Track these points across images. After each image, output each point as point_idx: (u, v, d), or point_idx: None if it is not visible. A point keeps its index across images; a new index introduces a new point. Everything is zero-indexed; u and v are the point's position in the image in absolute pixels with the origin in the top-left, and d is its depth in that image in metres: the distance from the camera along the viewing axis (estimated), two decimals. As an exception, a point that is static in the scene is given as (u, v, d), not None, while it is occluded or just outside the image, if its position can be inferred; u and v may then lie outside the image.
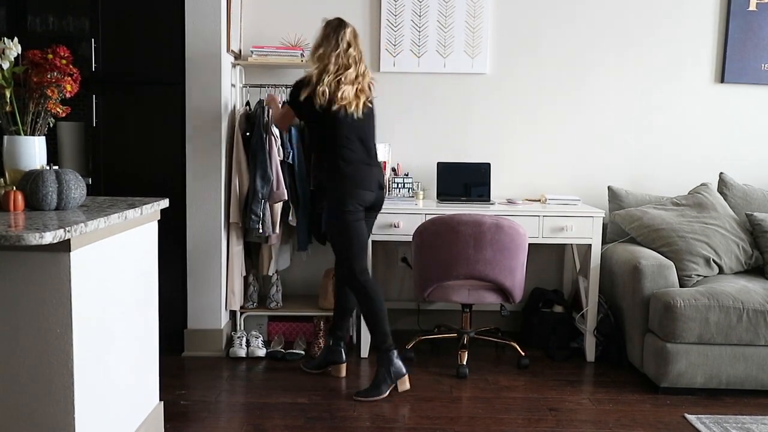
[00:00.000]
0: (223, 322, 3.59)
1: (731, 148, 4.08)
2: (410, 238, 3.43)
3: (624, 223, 3.67)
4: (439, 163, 3.87)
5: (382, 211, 3.28)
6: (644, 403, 3.05)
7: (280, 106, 3.39)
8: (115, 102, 3.45)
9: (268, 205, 3.47)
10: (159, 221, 2.52)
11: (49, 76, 2.18)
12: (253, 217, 3.43)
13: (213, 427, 2.74)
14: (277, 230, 3.54)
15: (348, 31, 3.05)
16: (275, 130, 3.51)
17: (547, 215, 3.56)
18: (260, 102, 3.54)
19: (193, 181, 3.47)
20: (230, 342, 3.61)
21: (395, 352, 3.05)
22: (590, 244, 3.57)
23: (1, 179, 2.17)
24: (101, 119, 3.44)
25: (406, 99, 4.00)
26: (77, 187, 2.09)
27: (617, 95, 4.04)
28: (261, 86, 3.73)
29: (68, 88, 2.22)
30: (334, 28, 3.05)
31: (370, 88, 3.12)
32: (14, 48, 2.14)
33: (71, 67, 2.25)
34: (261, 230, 3.45)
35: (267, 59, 3.70)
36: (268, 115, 3.44)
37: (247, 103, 3.71)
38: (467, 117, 4.03)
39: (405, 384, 3.08)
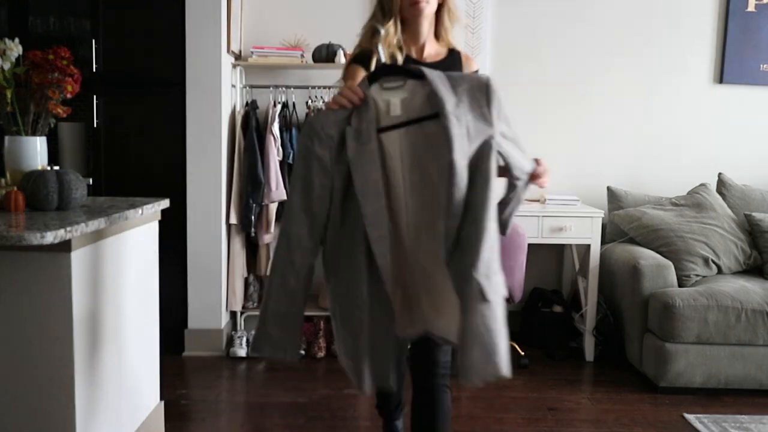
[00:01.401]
0: (223, 322, 3.60)
1: (730, 148, 4.08)
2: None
3: (623, 224, 3.68)
4: (438, 164, 3.87)
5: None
6: (643, 403, 3.06)
7: None
8: (115, 103, 3.46)
9: (264, 206, 3.54)
10: (159, 221, 2.53)
11: (50, 76, 2.18)
12: (250, 216, 3.52)
13: (213, 427, 2.75)
14: (272, 230, 3.56)
15: None
16: (275, 131, 3.53)
17: (546, 215, 3.56)
18: (253, 102, 3.60)
19: (194, 182, 3.48)
20: (230, 342, 3.62)
21: None
22: (589, 244, 3.57)
23: (2, 179, 2.18)
24: (102, 120, 3.45)
25: (406, 99, 4.00)
26: (78, 188, 2.09)
27: (616, 95, 4.04)
28: (261, 87, 3.74)
29: (69, 88, 2.23)
30: None
31: None
32: (15, 49, 2.15)
33: (72, 67, 2.25)
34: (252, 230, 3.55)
35: (267, 60, 3.71)
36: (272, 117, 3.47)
37: (247, 104, 3.72)
38: (467, 117, 4.02)
39: None
